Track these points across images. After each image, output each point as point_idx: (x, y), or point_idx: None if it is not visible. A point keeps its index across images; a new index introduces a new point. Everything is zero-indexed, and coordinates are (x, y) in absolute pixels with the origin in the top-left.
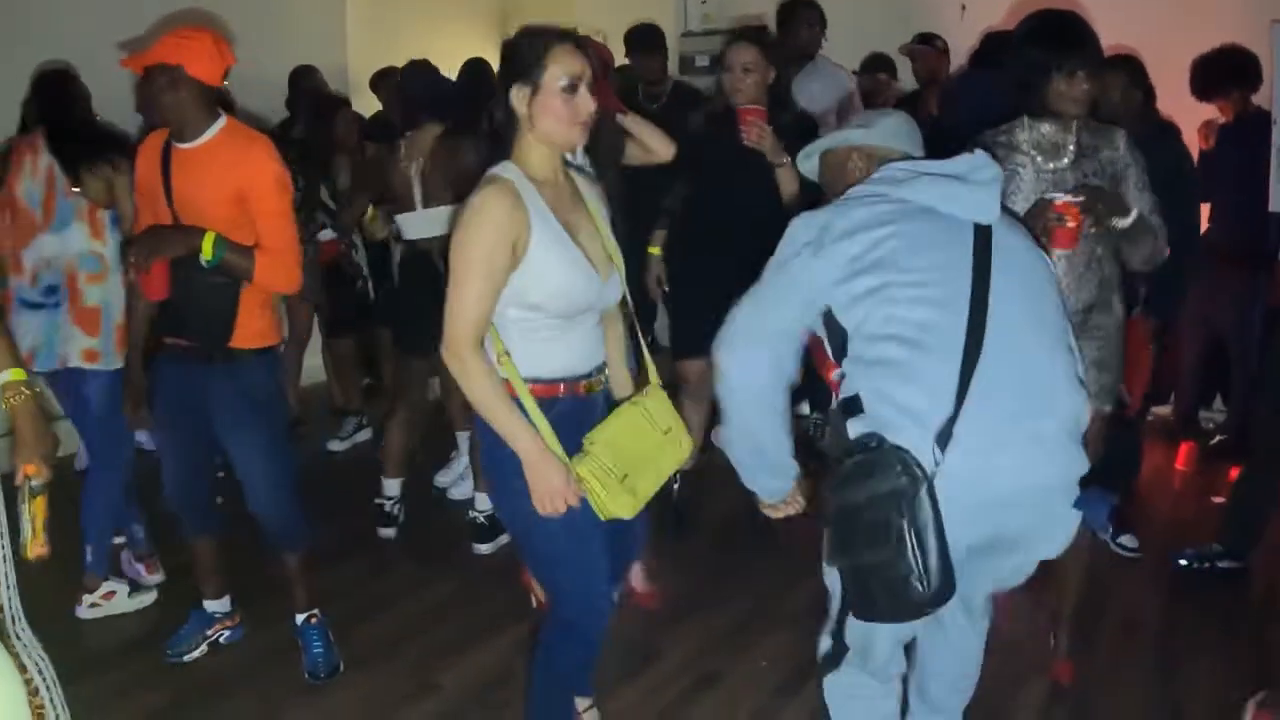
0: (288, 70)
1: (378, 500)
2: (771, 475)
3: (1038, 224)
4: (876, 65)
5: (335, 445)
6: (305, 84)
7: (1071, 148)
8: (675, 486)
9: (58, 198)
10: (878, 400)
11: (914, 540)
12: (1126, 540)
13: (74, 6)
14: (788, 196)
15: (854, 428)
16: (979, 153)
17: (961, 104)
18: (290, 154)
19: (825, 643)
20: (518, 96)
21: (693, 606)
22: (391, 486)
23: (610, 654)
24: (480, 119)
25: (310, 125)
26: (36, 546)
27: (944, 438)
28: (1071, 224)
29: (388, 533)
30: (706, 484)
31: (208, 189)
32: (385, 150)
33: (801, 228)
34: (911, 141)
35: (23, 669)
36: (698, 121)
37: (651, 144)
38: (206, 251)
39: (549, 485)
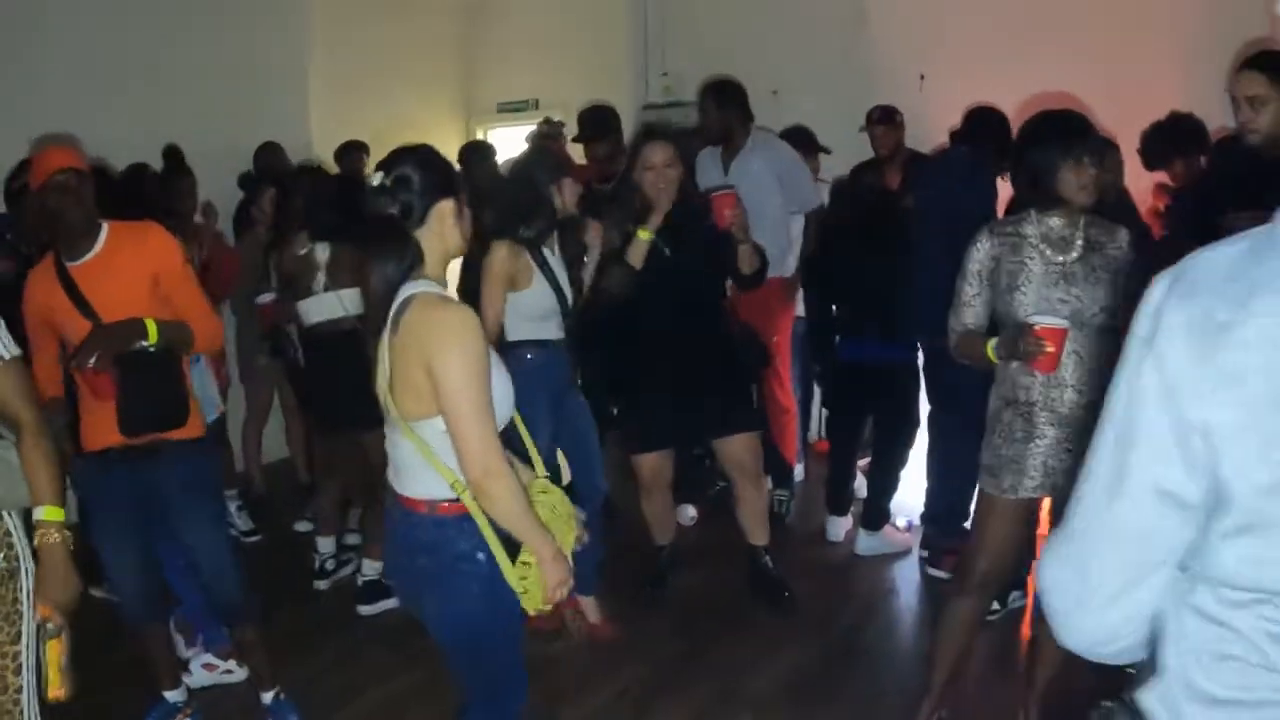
0: (253, 146)
1: (314, 553)
2: None
3: (1017, 347)
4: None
5: (302, 526)
6: (268, 160)
7: (1079, 241)
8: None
9: None
10: (1209, 668)
11: None
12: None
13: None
14: (749, 271)
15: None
16: None
17: (942, 180)
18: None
19: None
20: (449, 208)
21: (656, 692)
22: (325, 544)
23: None
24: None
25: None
26: (53, 689)
27: None
28: (1051, 349)
29: (321, 584)
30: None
31: (123, 286)
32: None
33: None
34: None
35: None
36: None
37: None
38: (151, 335)
39: (562, 577)
